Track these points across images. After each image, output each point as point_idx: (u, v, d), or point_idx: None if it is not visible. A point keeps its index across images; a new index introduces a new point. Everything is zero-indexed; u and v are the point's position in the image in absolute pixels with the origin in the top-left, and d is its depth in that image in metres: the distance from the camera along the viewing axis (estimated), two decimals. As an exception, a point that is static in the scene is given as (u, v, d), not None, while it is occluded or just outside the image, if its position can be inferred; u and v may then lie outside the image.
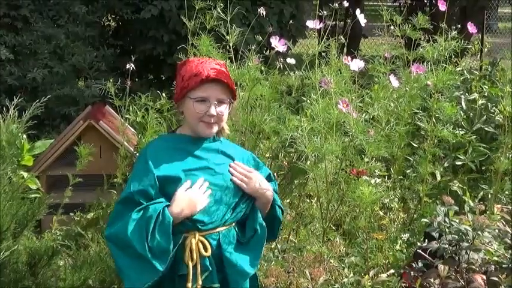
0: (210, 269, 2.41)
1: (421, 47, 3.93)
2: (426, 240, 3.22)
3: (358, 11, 3.88)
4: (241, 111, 3.70)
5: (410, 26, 3.97)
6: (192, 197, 2.38)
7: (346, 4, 3.94)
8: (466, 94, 4.82)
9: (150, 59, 7.44)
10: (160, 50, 7.29)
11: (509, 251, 2.93)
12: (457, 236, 2.89)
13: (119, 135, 4.35)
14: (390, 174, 4.08)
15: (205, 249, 2.40)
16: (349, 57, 3.68)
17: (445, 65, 3.90)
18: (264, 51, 4.28)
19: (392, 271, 3.45)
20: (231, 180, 2.48)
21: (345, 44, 3.83)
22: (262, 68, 3.79)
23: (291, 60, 3.94)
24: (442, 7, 3.92)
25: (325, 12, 3.77)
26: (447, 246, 2.90)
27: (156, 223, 2.31)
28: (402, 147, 4.01)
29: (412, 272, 3.05)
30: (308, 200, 4.19)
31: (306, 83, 4.07)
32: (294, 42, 8.28)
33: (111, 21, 7.97)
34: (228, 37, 3.69)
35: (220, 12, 3.72)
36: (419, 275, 3.00)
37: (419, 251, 3.13)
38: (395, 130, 3.83)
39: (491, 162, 4.25)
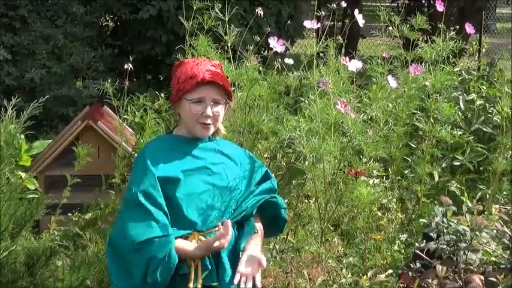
0: (210, 268, 2.40)
1: (419, 48, 3.93)
2: (424, 240, 3.21)
3: (356, 12, 3.87)
4: (239, 112, 3.70)
5: (408, 26, 3.96)
6: (220, 247, 2.35)
7: (344, 4, 3.94)
8: (464, 95, 4.81)
9: (148, 59, 7.43)
10: (159, 50, 7.28)
11: (507, 252, 2.93)
12: (455, 237, 2.88)
13: (117, 136, 4.36)
14: (388, 174, 4.08)
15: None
16: (347, 58, 3.69)
17: (443, 65, 3.90)
18: (262, 52, 4.27)
19: (390, 271, 3.45)
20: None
21: (343, 44, 3.83)
22: (260, 68, 3.78)
23: (289, 61, 3.95)
24: (440, 8, 3.92)
25: (323, 12, 3.77)
26: (445, 246, 2.90)
27: (160, 264, 2.28)
28: (400, 148, 4.01)
29: (410, 273, 3.05)
30: (306, 201, 4.19)
31: (304, 84, 4.08)
32: (292, 43, 8.32)
33: (109, 21, 7.96)
34: (226, 37, 3.69)
35: (218, 12, 3.72)
36: (418, 275, 3.00)
37: (417, 251, 3.12)
38: (394, 130, 3.83)
39: (489, 163, 4.25)
